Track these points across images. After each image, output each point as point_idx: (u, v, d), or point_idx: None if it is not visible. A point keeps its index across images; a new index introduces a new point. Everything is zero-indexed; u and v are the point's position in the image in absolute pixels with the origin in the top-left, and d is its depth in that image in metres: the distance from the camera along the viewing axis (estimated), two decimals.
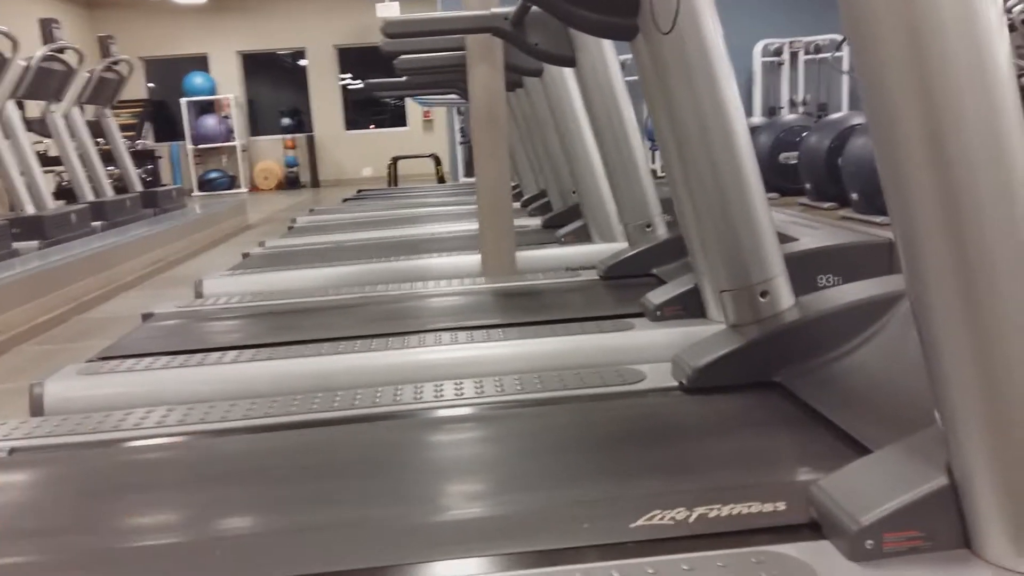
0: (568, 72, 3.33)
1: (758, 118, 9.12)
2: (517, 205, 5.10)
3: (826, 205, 6.53)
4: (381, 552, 1.09)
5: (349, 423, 1.59)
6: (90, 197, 6.47)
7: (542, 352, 1.99)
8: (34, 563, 1.14)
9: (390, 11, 10.90)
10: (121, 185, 7.37)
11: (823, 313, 1.64)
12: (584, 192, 3.54)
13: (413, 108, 13.99)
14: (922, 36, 0.87)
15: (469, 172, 10.48)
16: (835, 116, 7.14)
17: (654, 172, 3.15)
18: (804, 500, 1.07)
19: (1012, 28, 5.42)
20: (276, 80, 14.52)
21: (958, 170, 0.88)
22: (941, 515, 0.96)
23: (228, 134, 13.63)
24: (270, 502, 1.28)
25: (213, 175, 13.61)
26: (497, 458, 1.43)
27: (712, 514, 1.11)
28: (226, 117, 13.67)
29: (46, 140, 6.90)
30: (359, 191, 8.63)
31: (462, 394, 1.70)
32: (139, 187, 7.44)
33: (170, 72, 13.73)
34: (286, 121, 13.98)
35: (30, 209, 5.38)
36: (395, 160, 11.55)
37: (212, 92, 13.67)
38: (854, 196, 5.81)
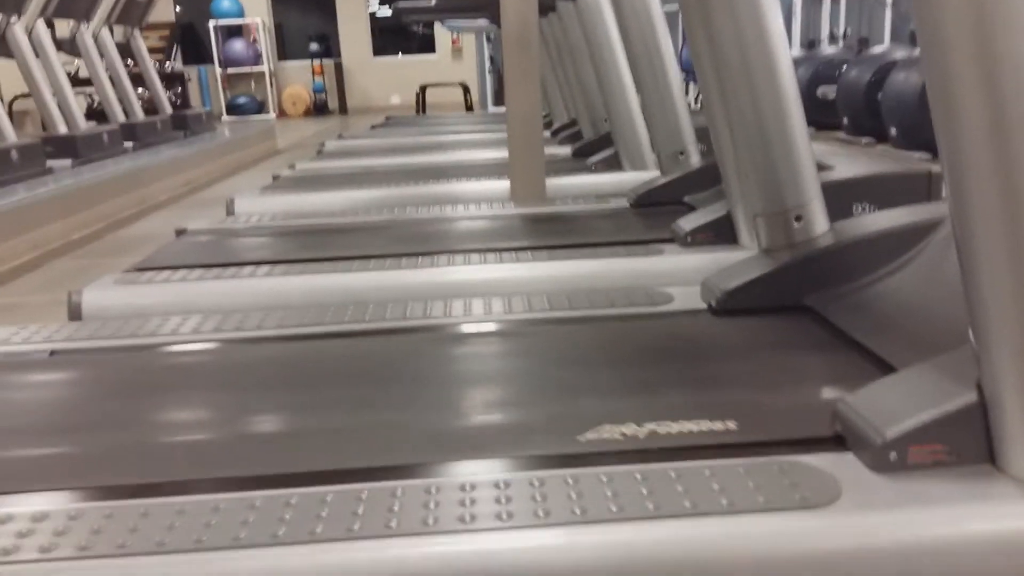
0: None
1: (797, 51, 8.86)
2: (547, 134, 5.04)
3: (864, 140, 6.41)
4: (397, 454, 1.12)
5: (380, 335, 1.62)
6: (121, 118, 6.48)
7: (570, 274, 2.00)
8: (70, 455, 1.19)
9: None
10: (151, 107, 7.37)
11: (857, 238, 1.62)
12: (616, 120, 3.49)
13: (442, 35, 13.76)
14: None
15: (498, 101, 10.35)
16: (876, 50, 6.92)
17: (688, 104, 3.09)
18: (829, 416, 1.08)
19: None
20: (304, 4, 14.30)
21: (1008, 90, 0.86)
22: (968, 431, 0.96)
23: (256, 58, 13.51)
24: (305, 405, 1.31)
25: (241, 100, 13.55)
26: (520, 370, 1.45)
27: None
28: (254, 41, 13.54)
29: (76, 60, 6.88)
30: (387, 118, 8.58)
31: (490, 311, 1.72)
32: (169, 110, 7.44)
33: None
34: (314, 47, 13.80)
35: (62, 128, 5.41)
36: (423, 88, 11.45)
37: (240, 15, 13.50)
38: (893, 131, 5.70)
